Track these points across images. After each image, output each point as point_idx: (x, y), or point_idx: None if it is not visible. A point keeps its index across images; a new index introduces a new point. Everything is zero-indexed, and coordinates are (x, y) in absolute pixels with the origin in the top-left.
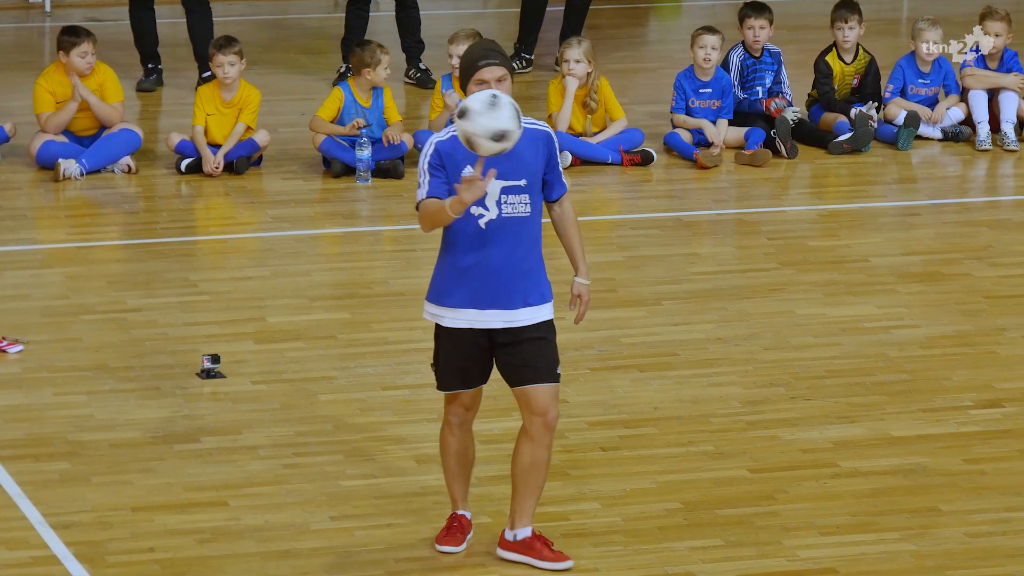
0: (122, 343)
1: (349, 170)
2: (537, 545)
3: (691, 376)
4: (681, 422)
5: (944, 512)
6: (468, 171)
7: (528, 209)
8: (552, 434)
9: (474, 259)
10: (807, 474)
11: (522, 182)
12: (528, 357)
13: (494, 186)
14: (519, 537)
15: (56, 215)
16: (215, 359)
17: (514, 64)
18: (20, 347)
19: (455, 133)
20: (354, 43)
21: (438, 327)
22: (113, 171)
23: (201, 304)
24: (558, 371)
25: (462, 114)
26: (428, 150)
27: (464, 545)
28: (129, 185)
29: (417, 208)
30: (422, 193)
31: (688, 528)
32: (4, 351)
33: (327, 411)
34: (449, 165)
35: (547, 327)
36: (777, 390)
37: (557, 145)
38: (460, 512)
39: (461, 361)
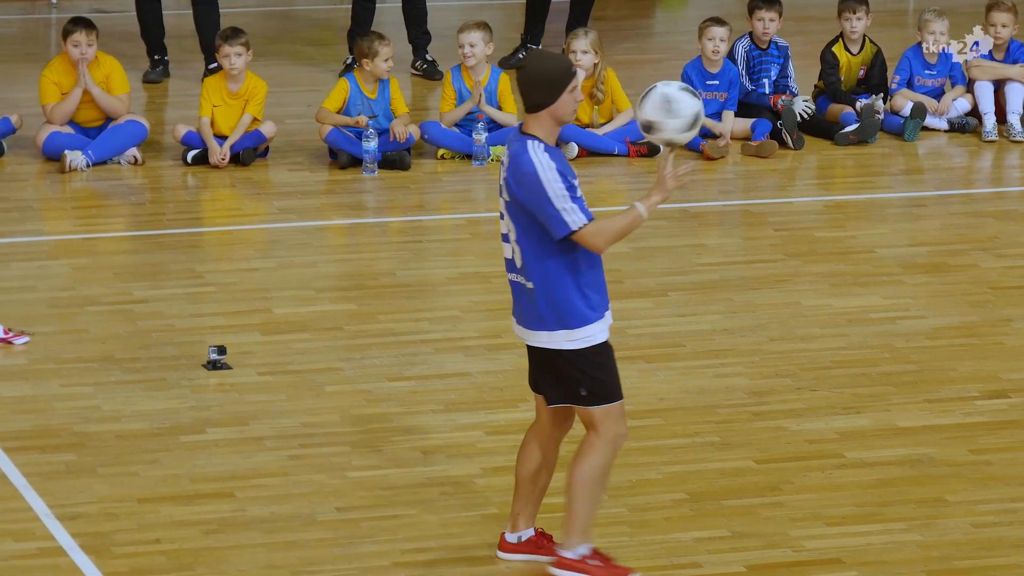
0: (128, 334)
1: (355, 161)
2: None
3: (697, 367)
4: (687, 413)
5: (950, 503)
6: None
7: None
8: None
9: (596, 264)
10: (813, 465)
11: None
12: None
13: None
14: (524, 538)
15: (62, 206)
16: (221, 350)
17: (519, 55)
18: (26, 338)
19: (548, 144)
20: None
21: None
22: (119, 162)
23: (207, 295)
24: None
25: (648, 129)
26: (550, 175)
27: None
28: (135, 176)
29: (572, 234)
30: (579, 220)
31: (694, 519)
32: (10, 342)
33: (333, 402)
34: (566, 176)
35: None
36: (783, 381)
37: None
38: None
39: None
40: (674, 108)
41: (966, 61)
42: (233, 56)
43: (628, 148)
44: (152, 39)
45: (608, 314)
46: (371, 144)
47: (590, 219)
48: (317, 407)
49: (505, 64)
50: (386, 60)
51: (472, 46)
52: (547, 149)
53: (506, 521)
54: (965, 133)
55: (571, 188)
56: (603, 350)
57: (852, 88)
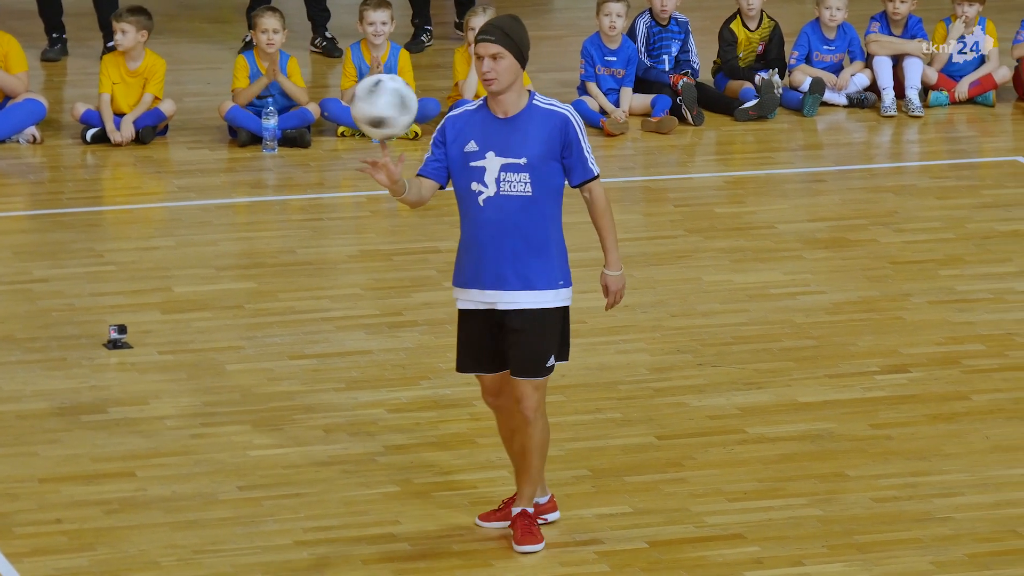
0: (28, 314)
1: (255, 139)
2: (517, 523)
3: (598, 343)
4: (589, 389)
5: (850, 477)
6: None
7: (528, 189)
8: (533, 424)
9: (473, 237)
10: (714, 440)
11: (522, 160)
12: (517, 346)
13: (494, 163)
14: (512, 514)
15: None
16: (122, 329)
17: (421, 38)
18: None
19: (469, 108)
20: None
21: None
22: (18, 141)
23: (107, 274)
24: (548, 364)
25: (350, 99)
26: (453, 113)
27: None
28: (34, 155)
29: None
30: (422, 168)
31: (596, 495)
32: None
33: (235, 381)
34: (452, 141)
35: (537, 316)
36: (684, 357)
37: (580, 130)
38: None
39: (470, 342)
40: (409, 105)
41: (867, 32)
42: (120, 34)
43: None
44: (50, 17)
45: (474, 292)
46: (271, 122)
47: (418, 175)
48: (218, 386)
49: (413, 50)
50: (265, 31)
51: (383, 24)
52: (463, 111)
53: (408, 498)
54: (864, 108)
55: (436, 144)
56: (458, 314)
57: (751, 64)
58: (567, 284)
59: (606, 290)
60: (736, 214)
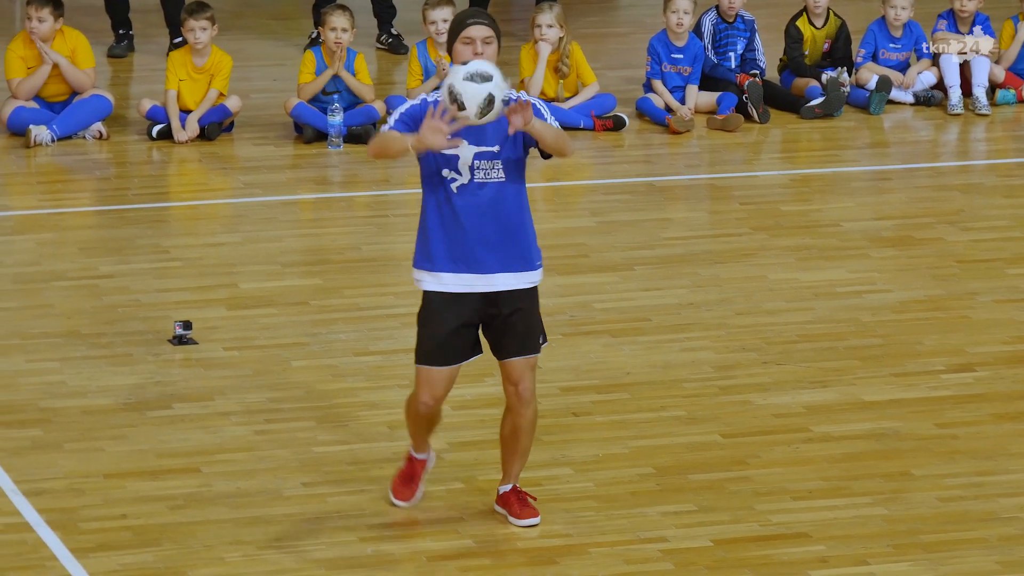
0: (94, 309)
1: (321, 136)
2: (510, 499)
3: (663, 341)
4: (653, 387)
5: (916, 476)
6: (438, 113)
7: (502, 175)
8: (529, 405)
9: (449, 221)
10: (779, 439)
11: (495, 148)
12: (507, 327)
13: (467, 151)
14: (500, 492)
15: (27, 181)
16: (187, 325)
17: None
18: None
19: (436, 99)
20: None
21: (424, 294)
22: (84, 137)
23: (173, 270)
24: (541, 342)
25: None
26: (415, 102)
27: (419, 494)
28: (100, 151)
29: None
30: (386, 126)
31: (660, 493)
32: None
33: (299, 377)
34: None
35: (528, 295)
36: (749, 355)
37: (541, 104)
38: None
39: (441, 330)
40: (459, 100)
41: (935, 30)
42: (198, 31)
43: (594, 122)
44: (117, 13)
45: (449, 276)
46: (336, 118)
47: (391, 128)
48: (283, 382)
49: None
50: (334, 29)
51: (445, 22)
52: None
53: (475, 493)
54: (930, 106)
55: (408, 117)
56: (424, 299)
57: (817, 62)
58: (541, 263)
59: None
60: (802, 212)
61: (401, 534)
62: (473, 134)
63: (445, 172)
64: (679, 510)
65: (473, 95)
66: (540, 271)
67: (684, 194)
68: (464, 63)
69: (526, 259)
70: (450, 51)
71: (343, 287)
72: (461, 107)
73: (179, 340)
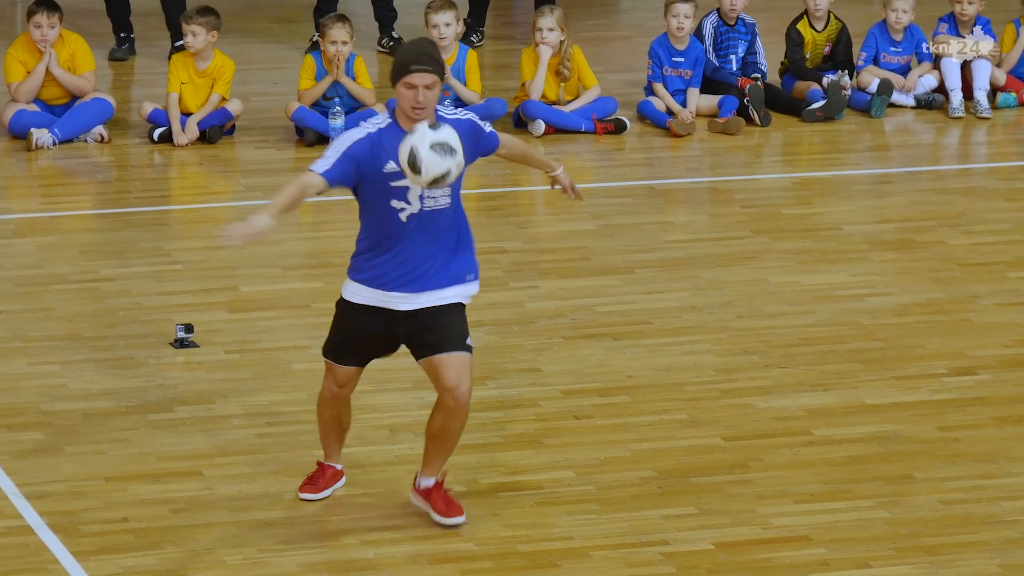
0: (95, 313)
1: (322, 139)
2: (435, 495)
3: (665, 344)
4: (655, 390)
5: (918, 479)
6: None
7: (448, 200)
8: (465, 408)
9: (393, 245)
10: (781, 442)
11: None
12: (438, 328)
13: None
14: (421, 486)
15: (28, 184)
16: (188, 329)
17: (472, 38)
18: None
19: (376, 127)
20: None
21: (342, 299)
22: (86, 140)
23: (174, 274)
24: (468, 342)
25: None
26: (359, 136)
27: (326, 493)
28: (102, 154)
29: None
30: (321, 165)
31: (662, 496)
32: None
33: (301, 380)
34: (367, 161)
35: (461, 306)
36: (751, 358)
37: (483, 123)
38: (328, 463)
39: (356, 334)
40: (418, 165)
41: (935, 33)
42: (190, 35)
43: (595, 125)
44: (118, 17)
45: (378, 292)
46: (338, 122)
47: (321, 174)
48: (284, 385)
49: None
50: (334, 42)
51: (447, 26)
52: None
53: (473, 495)
54: (932, 109)
55: (349, 158)
56: (344, 306)
57: (818, 65)
58: (477, 277)
59: (565, 185)
60: (803, 215)
61: (402, 537)
62: None
63: (394, 203)
64: (680, 513)
65: (434, 166)
66: (473, 284)
67: (685, 197)
68: (433, 127)
69: (465, 273)
70: (393, 85)
71: None
72: (416, 171)
73: (180, 343)
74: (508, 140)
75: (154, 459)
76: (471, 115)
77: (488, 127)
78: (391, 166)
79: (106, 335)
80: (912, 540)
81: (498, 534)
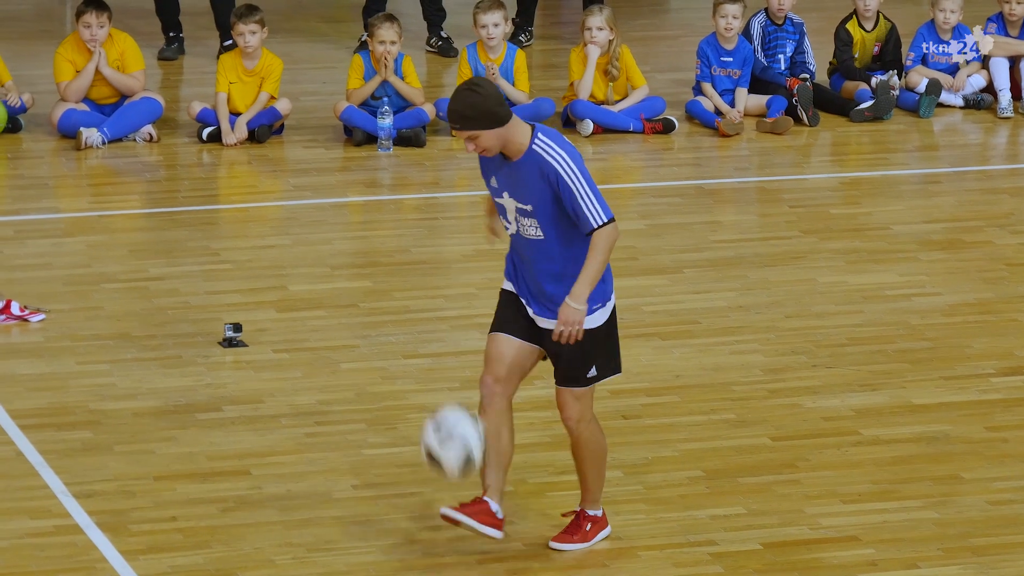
0: (144, 312)
1: (371, 138)
2: (572, 523)
3: (713, 344)
4: (703, 390)
5: (966, 480)
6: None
7: (539, 233)
8: (571, 432)
9: (513, 254)
10: (829, 442)
11: (528, 207)
12: (554, 356)
13: (510, 204)
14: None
15: (78, 184)
16: (237, 328)
17: (520, 38)
18: (42, 316)
19: None
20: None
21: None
22: (135, 140)
23: (223, 273)
24: (589, 375)
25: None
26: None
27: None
28: (151, 154)
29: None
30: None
31: (710, 496)
32: (26, 320)
33: (349, 380)
34: (483, 173)
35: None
36: (799, 358)
37: (572, 180)
38: (485, 499)
39: (507, 308)
40: (437, 463)
41: (984, 32)
42: (248, 34)
43: (643, 125)
44: (167, 16)
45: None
46: (386, 121)
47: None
48: (333, 384)
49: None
50: (382, 42)
51: (496, 26)
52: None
53: (521, 501)
54: (980, 109)
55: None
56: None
57: (867, 65)
58: (599, 305)
59: (559, 319)
60: (851, 215)
61: (451, 537)
62: (511, 186)
63: (500, 217)
64: (728, 513)
65: (452, 461)
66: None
67: (733, 197)
68: (435, 422)
69: (553, 303)
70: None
71: (393, 289)
72: (443, 472)
73: (229, 342)
74: (598, 238)
75: (203, 458)
76: (562, 161)
77: (586, 196)
78: (493, 182)
79: (155, 334)
80: (960, 540)
81: (546, 534)
